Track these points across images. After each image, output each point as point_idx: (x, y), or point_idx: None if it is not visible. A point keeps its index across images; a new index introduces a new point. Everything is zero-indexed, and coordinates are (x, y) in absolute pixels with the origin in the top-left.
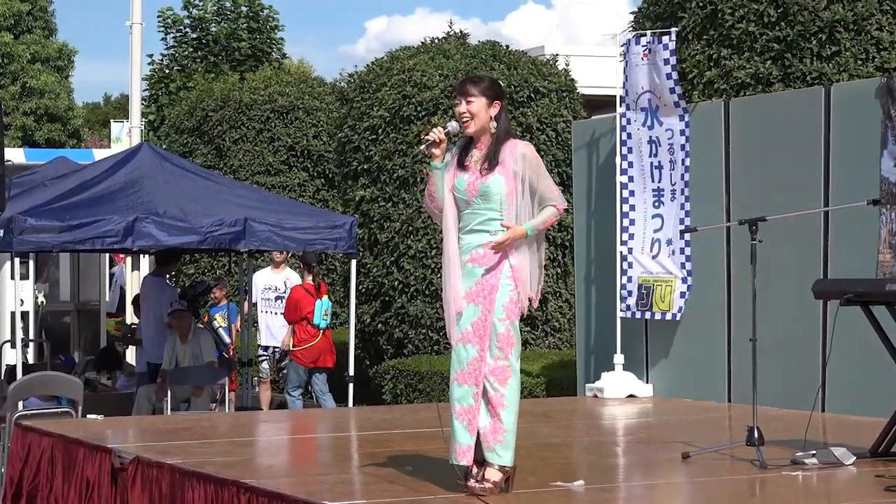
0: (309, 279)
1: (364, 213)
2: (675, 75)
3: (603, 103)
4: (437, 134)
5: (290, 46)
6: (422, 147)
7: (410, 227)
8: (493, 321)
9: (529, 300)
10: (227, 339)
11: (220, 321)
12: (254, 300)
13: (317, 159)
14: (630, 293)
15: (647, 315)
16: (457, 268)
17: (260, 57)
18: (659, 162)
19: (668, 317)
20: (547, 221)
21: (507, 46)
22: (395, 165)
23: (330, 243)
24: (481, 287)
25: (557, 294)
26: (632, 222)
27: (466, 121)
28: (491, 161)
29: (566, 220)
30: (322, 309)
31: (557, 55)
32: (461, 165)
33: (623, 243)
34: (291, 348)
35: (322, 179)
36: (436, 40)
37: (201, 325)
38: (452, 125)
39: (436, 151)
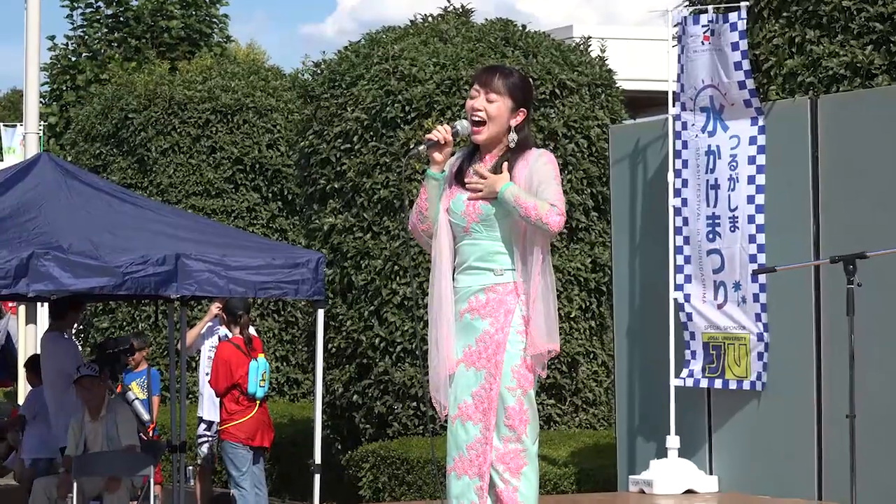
0: (236, 332)
1: (335, 248)
2: (745, 65)
3: (650, 102)
4: (442, 133)
5: (236, 26)
6: (420, 147)
7: (396, 266)
8: (501, 391)
9: (549, 352)
10: (145, 416)
11: (137, 391)
12: (197, 350)
13: (272, 176)
14: (695, 354)
15: (719, 383)
16: (449, 312)
17: (196, 40)
18: (716, 180)
19: (746, 385)
20: (534, 207)
21: (524, 27)
22: (375, 184)
23: (289, 287)
24: (484, 346)
25: (591, 355)
26: (687, 260)
27: (479, 122)
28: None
29: (603, 256)
30: (258, 372)
31: (590, 38)
32: (460, 181)
33: (678, 288)
34: (219, 425)
35: (279, 202)
36: (429, 19)
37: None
38: (462, 125)
39: (437, 156)
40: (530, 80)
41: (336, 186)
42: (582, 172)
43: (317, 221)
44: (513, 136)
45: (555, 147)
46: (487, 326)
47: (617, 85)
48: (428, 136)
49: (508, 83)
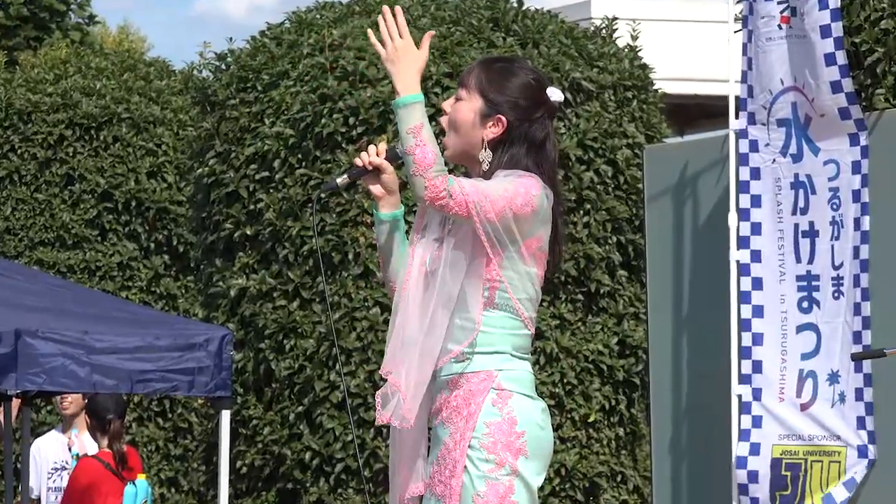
0: (104, 444)
1: (247, 322)
2: (840, 58)
3: (704, 111)
4: (368, 156)
5: (103, 1)
6: (339, 179)
7: (336, 349)
8: None
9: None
10: None
11: None
12: (35, 492)
13: (155, 218)
14: (756, 476)
15: None
16: (419, 418)
17: (45, 22)
18: (811, 224)
19: None
20: (425, 152)
21: (520, 3)
22: (305, 230)
23: (180, 379)
24: (444, 464)
25: (618, 477)
26: (757, 340)
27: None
28: None
29: (635, 335)
30: (136, 501)
31: (616, 20)
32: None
33: (744, 380)
34: None
35: (165, 256)
36: None
37: None
38: (399, 143)
39: (375, 190)
40: (538, 81)
41: (248, 233)
42: (604, 213)
43: (220, 284)
44: (484, 154)
45: (566, 176)
46: (447, 437)
47: (655, 87)
48: (353, 161)
49: (481, 76)
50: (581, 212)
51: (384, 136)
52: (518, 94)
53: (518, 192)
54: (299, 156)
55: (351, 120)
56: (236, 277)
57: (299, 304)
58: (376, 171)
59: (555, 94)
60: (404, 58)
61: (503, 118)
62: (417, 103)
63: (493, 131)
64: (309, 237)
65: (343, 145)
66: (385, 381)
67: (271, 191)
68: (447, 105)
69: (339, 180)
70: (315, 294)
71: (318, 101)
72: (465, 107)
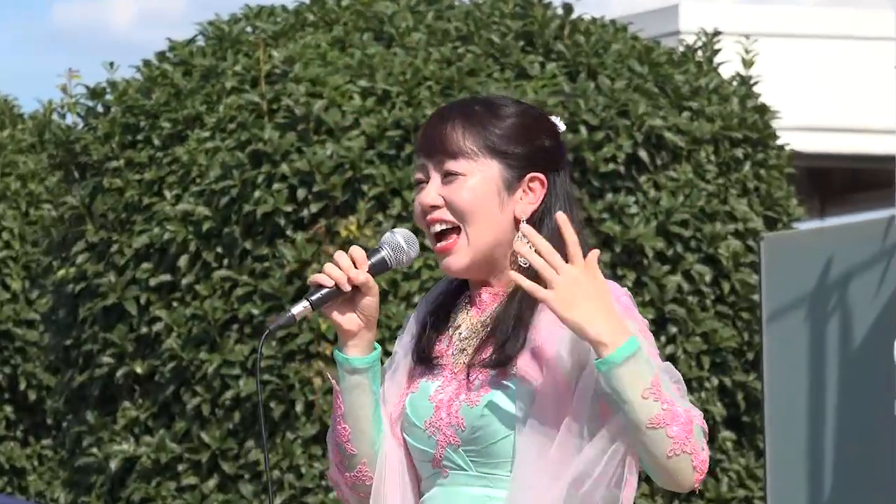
0: None
1: None
2: None
3: (854, 180)
4: (340, 270)
5: None
6: (294, 310)
7: None
8: None
9: None
10: None
11: None
12: None
13: None
14: None
15: None
16: None
17: None
18: None
19: None
20: (685, 422)
21: (568, 9)
22: (227, 367)
23: None
24: None
25: None
26: None
27: (443, 231)
28: (507, 340)
29: None
30: None
31: (718, 36)
32: (424, 356)
33: None
34: None
35: (8, 407)
36: None
37: None
38: (396, 239)
39: (341, 320)
40: (531, 106)
41: (139, 371)
42: (699, 340)
43: (95, 451)
44: (521, 242)
45: (638, 281)
46: None
47: (780, 142)
48: (314, 278)
49: (477, 129)
50: (663, 337)
51: (354, 220)
52: (537, 133)
53: (647, 331)
54: (219, 249)
55: (300, 192)
56: (119, 441)
57: (218, 484)
58: (353, 293)
59: (557, 122)
60: (586, 288)
61: (540, 175)
62: (640, 349)
63: (529, 201)
64: (233, 377)
65: (288, 233)
66: None
67: (175, 304)
68: (430, 195)
69: (295, 310)
70: (244, 467)
71: (250, 162)
72: (476, 182)
